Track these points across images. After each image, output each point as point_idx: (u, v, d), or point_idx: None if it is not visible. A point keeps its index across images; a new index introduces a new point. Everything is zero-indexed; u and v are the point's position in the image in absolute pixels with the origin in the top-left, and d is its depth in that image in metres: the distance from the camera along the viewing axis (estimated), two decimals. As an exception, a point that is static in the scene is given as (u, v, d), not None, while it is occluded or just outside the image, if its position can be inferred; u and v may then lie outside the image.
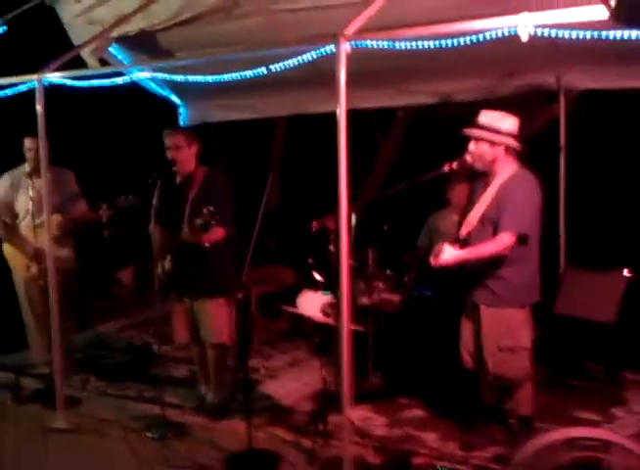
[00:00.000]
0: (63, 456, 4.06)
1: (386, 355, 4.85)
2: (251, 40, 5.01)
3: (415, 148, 6.14)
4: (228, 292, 4.35)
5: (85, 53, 5.39)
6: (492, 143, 3.62)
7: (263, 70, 4.14)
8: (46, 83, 4.23)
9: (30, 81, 4.27)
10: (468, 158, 3.68)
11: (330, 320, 3.79)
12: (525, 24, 2.68)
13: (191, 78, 5.05)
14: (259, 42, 4.95)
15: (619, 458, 2.44)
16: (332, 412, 4.02)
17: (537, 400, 3.92)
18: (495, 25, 2.83)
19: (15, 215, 4.98)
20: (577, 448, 2.52)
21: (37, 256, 4.84)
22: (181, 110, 7.00)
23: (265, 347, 5.91)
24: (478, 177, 3.87)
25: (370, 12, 3.18)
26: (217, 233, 4.11)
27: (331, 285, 3.92)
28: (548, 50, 4.39)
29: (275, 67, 3.93)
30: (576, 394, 4.59)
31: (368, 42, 3.19)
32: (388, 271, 5.25)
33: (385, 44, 3.22)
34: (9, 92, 4.47)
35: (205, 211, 3.81)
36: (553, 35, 3.22)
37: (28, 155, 4.91)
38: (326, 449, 3.93)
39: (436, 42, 3.13)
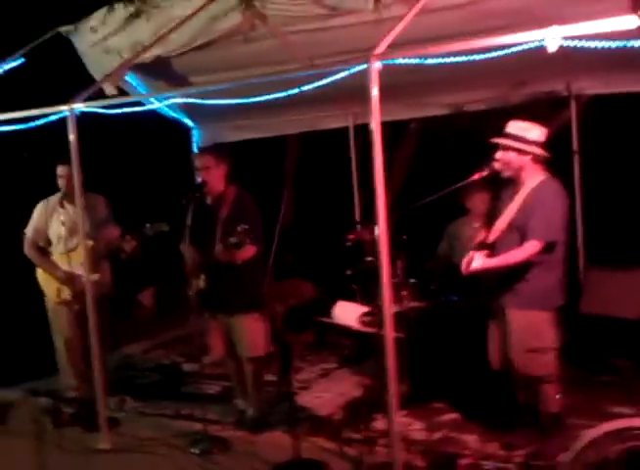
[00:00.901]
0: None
1: (417, 361, 4.95)
2: (264, 62, 5.17)
3: (428, 159, 6.27)
4: (262, 306, 4.46)
5: (105, 85, 5.54)
6: (519, 151, 3.75)
7: (295, 90, 4.24)
8: (77, 113, 4.33)
9: (62, 112, 4.37)
10: (496, 166, 3.80)
11: (368, 329, 3.89)
12: (553, 37, 2.80)
13: (221, 101, 5.14)
14: (273, 63, 5.13)
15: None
16: (374, 419, 4.12)
17: (569, 399, 4.02)
18: (527, 39, 2.94)
19: (48, 241, 5.08)
20: (630, 438, 2.61)
21: (68, 280, 4.95)
22: (194, 132, 7.16)
23: (294, 360, 6.00)
24: (502, 185, 3.99)
25: (398, 29, 3.30)
26: (250, 251, 4.22)
27: (368, 295, 4.03)
28: (559, 57, 4.52)
29: (308, 87, 4.02)
30: (606, 390, 4.68)
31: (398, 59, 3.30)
32: (412, 280, 5.35)
33: (414, 61, 3.32)
34: (40, 122, 4.59)
35: (239, 229, 3.92)
36: (578, 45, 3.32)
37: (60, 181, 5.02)
38: (371, 456, 4.01)
39: (466, 57, 3.23)
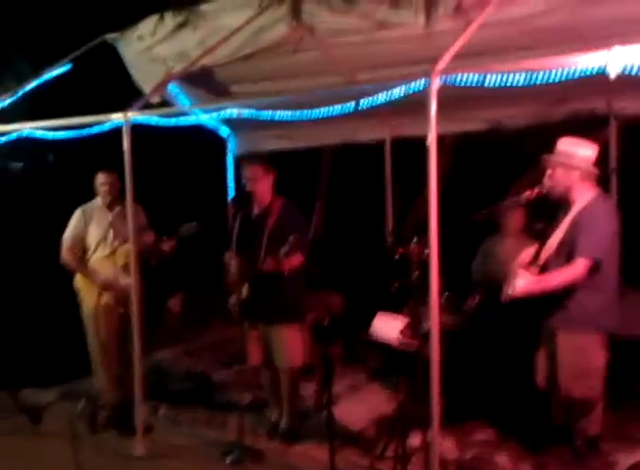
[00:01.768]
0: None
1: (449, 377, 4.94)
2: (306, 73, 5.20)
3: (464, 175, 6.28)
4: (302, 318, 4.49)
5: (150, 93, 5.60)
6: (567, 169, 3.75)
7: (352, 104, 4.27)
8: (132, 122, 4.39)
9: (117, 121, 4.43)
10: (546, 184, 3.81)
11: (409, 347, 3.90)
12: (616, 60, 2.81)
13: (278, 115, 5.18)
14: (316, 75, 5.16)
15: None
16: (407, 436, 4.12)
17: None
18: (589, 62, 2.96)
19: (86, 248, 5.12)
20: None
21: (107, 285, 5.01)
22: (230, 140, 7.22)
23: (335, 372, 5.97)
24: (552, 207, 3.98)
25: (458, 45, 3.32)
26: (297, 260, 4.26)
27: (412, 308, 4.04)
28: (601, 75, 4.55)
29: (365, 102, 4.05)
30: (634, 414, 4.64)
31: (459, 79, 3.31)
32: (446, 293, 5.34)
33: (475, 80, 3.33)
34: (94, 130, 4.65)
35: (291, 239, 3.96)
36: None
37: (103, 189, 5.09)
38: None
39: (527, 77, 3.24)
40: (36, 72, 5.70)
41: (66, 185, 6.40)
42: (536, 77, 3.30)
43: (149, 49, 5.53)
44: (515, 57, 3.44)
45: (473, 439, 4.50)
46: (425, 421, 3.84)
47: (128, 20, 5.60)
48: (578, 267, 3.62)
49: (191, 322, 7.35)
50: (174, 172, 7.90)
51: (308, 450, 4.42)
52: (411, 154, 6.83)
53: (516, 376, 4.25)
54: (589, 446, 3.90)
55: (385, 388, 5.45)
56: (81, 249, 5.13)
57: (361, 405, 5.17)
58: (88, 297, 5.10)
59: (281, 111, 5.24)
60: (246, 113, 4.67)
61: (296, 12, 4.77)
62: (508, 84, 3.36)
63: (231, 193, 7.11)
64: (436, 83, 3.25)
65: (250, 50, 5.09)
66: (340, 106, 4.55)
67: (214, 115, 6.05)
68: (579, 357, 3.74)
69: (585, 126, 5.42)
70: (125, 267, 4.93)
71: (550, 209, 4.10)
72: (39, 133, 5.05)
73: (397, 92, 3.62)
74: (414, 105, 4.13)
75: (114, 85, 6.16)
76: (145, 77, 5.78)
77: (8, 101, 5.52)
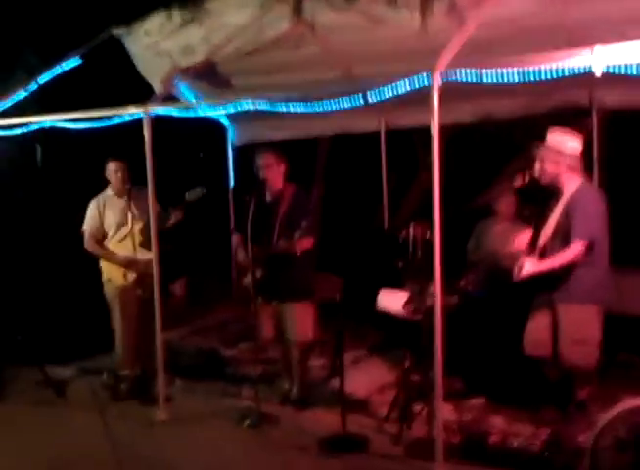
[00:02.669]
0: (173, 445, 4.53)
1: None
2: (306, 68, 5.49)
3: (454, 165, 6.64)
4: (312, 294, 4.89)
5: (157, 87, 5.88)
6: (556, 159, 4.15)
7: (360, 99, 4.59)
8: (153, 114, 4.70)
9: (137, 113, 4.74)
10: (535, 174, 4.20)
11: (415, 317, 4.29)
12: (601, 60, 3.18)
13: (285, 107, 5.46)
14: (315, 69, 5.45)
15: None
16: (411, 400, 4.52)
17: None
18: (577, 61, 3.32)
19: (105, 234, 5.48)
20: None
21: (130, 263, 5.37)
22: (230, 130, 7.53)
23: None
24: (543, 193, 4.36)
25: (459, 42, 3.65)
26: (308, 242, 4.65)
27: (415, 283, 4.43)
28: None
29: (372, 97, 4.38)
30: (617, 381, 4.88)
31: (458, 77, 3.65)
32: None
33: (473, 79, 3.69)
34: (116, 122, 4.96)
35: (304, 224, 4.34)
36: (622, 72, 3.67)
37: (116, 176, 5.44)
38: (409, 432, 4.42)
39: (521, 75, 3.60)
40: (47, 66, 5.92)
41: (81, 175, 6.68)
42: (529, 75, 3.65)
43: (155, 44, 5.74)
44: (507, 54, 3.76)
45: (469, 404, 4.86)
46: (426, 388, 4.27)
47: (134, 13, 5.77)
48: (576, 248, 4.01)
49: (194, 305, 7.66)
50: (178, 161, 8.17)
51: (318, 415, 4.81)
52: (404, 143, 7.24)
53: (507, 347, 4.58)
54: (578, 408, 4.26)
55: (384, 361, 5.85)
56: (101, 235, 5.48)
57: (365, 376, 5.53)
58: (116, 277, 5.44)
59: (293, 102, 5.49)
60: (262, 104, 4.93)
61: (297, 9, 5.07)
62: (504, 81, 3.70)
63: (231, 181, 7.46)
64: (438, 80, 3.59)
65: (253, 46, 5.33)
66: (348, 98, 4.81)
67: (220, 107, 6.36)
68: (578, 327, 4.11)
69: (569, 118, 5.82)
70: (142, 245, 5.32)
71: (538, 195, 4.50)
72: (61, 124, 5.32)
73: (402, 87, 3.95)
74: (405, 98, 4.47)
75: (121, 78, 6.41)
76: (151, 71, 6.03)
77: (24, 94, 5.78)
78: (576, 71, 3.61)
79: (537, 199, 4.51)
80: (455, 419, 4.59)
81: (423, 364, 4.35)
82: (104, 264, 5.50)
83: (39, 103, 5.91)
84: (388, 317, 4.79)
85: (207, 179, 7.68)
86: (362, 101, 4.57)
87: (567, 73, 3.67)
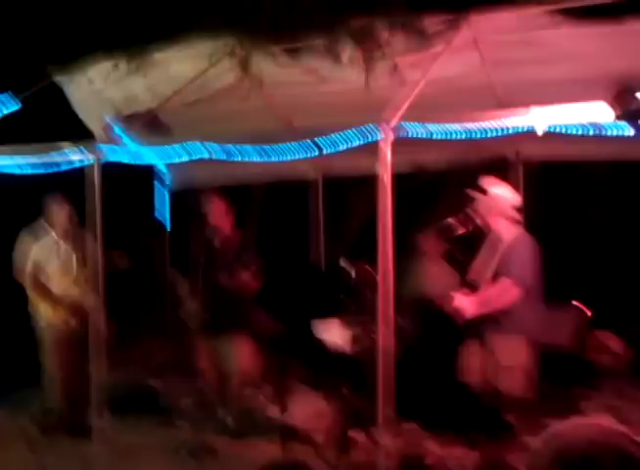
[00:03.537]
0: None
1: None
2: (249, 119, 5.67)
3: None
4: (251, 327, 5.13)
5: (98, 134, 5.90)
6: (490, 206, 4.45)
7: (316, 152, 4.80)
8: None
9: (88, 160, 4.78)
10: (475, 219, 4.49)
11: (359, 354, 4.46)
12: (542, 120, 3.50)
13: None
14: (255, 120, 5.64)
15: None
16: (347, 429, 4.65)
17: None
18: (519, 121, 3.64)
19: (47, 276, 5.41)
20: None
21: (73, 309, 5.32)
22: (166, 176, 7.59)
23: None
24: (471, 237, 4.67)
25: (407, 100, 3.92)
26: (254, 285, 5.02)
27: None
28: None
29: (328, 150, 4.60)
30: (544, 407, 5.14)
31: (409, 132, 3.91)
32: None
33: (423, 134, 3.95)
34: (63, 168, 4.96)
35: (252, 268, 4.54)
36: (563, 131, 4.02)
37: (60, 219, 5.43)
38: (346, 458, 4.56)
39: (468, 132, 3.89)
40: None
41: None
42: (475, 133, 3.95)
43: (98, 92, 5.84)
44: (448, 112, 4.04)
45: (402, 429, 4.92)
46: (363, 417, 4.41)
47: (72, 54, 5.80)
48: (513, 293, 4.35)
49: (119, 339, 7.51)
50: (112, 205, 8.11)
51: (255, 444, 4.87)
52: (338, 190, 7.50)
53: (440, 374, 4.87)
54: (509, 430, 4.49)
55: (319, 389, 5.80)
56: (40, 275, 5.39)
57: (300, 404, 5.56)
58: (53, 323, 5.37)
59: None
60: (218, 152, 5.05)
61: (245, 64, 5.26)
62: (452, 137, 3.98)
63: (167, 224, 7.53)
64: (390, 133, 3.83)
65: (197, 97, 5.49)
66: (295, 147, 5.02)
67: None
68: (507, 354, 4.42)
69: (496, 170, 6.22)
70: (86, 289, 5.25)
71: (467, 238, 4.80)
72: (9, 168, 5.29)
73: (356, 141, 4.18)
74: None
75: (59, 123, 6.38)
76: (93, 118, 6.09)
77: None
78: (519, 130, 3.92)
79: (465, 241, 4.81)
80: (390, 443, 4.73)
81: (360, 392, 4.49)
82: (42, 308, 5.40)
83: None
84: (322, 349, 4.93)
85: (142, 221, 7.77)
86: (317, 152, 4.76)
87: (511, 131, 3.98)
